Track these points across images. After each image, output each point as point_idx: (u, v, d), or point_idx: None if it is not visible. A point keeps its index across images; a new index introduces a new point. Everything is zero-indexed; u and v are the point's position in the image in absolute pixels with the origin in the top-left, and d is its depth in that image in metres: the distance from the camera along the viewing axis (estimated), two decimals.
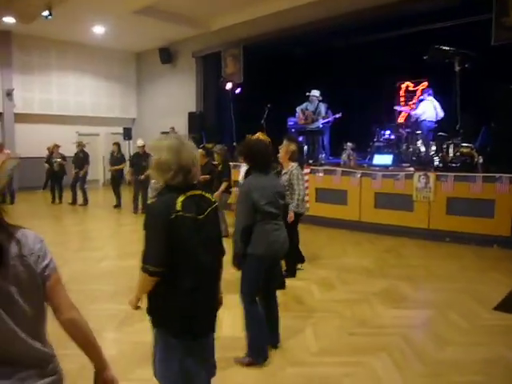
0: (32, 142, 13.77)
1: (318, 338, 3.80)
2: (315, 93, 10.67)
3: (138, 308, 2.27)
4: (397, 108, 11.54)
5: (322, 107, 10.58)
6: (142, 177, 9.94)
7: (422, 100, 9.93)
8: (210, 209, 2.23)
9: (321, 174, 8.69)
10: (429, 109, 9.09)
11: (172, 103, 14.91)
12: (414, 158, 8.54)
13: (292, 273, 5.44)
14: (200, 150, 8.29)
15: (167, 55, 15.06)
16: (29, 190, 13.12)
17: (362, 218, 8.23)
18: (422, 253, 6.71)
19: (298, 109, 10.87)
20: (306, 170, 8.73)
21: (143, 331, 3.60)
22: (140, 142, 10.37)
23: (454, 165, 7.74)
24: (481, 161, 7.54)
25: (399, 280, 5.36)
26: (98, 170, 16.27)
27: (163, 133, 13.89)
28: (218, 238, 2.34)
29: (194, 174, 2.19)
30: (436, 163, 8.02)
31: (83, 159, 11.39)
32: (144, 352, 3.45)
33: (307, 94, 10.74)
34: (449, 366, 3.33)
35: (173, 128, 14.07)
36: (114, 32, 13.79)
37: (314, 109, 10.60)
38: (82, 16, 12.00)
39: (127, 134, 15.35)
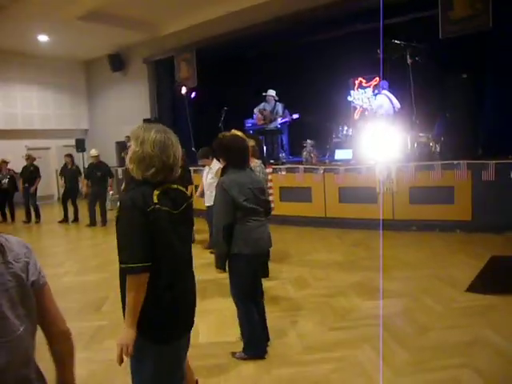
0: None
1: (300, 336, 3.70)
2: (271, 92, 10.65)
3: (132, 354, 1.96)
4: (353, 104, 11.70)
5: (279, 107, 10.57)
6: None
7: (377, 94, 10.10)
8: (186, 204, 2.11)
9: (283, 173, 8.65)
10: (385, 102, 9.24)
11: (126, 111, 14.49)
12: (374, 152, 8.61)
13: (265, 273, 5.32)
14: None
15: (118, 62, 14.63)
16: None
17: (328, 213, 8.24)
18: (390, 243, 6.76)
19: (256, 109, 10.82)
20: (269, 170, 8.66)
21: (114, 348, 3.39)
22: (93, 152, 10.01)
23: (413, 155, 7.88)
24: (438, 149, 7.72)
25: (371, 271, 5.35)
26: (52, 184, 15.60)
27: (125, 139, 13.57)
28: (190, 232, 2.26)
29: (176, 171, 2.07)
30: (396, 155, 8.13)
31: (33, 173, 10.82)
32: (116, 370, 3.24)
33: (264, 94, 10.72)
34: (432, 351, 3.32)
35: (128, 137, 13.68)
36: (59, 40, 13.27)
37: (272, 108, 10.58)
38: (24, 24, 11.45)
39: (80, 146, 14.83)
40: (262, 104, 10.77)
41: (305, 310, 4.30)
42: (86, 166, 10.71)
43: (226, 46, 11.89)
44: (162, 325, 1.98)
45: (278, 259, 6.13)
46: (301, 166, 8.52)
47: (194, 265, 2.19)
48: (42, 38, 13.08)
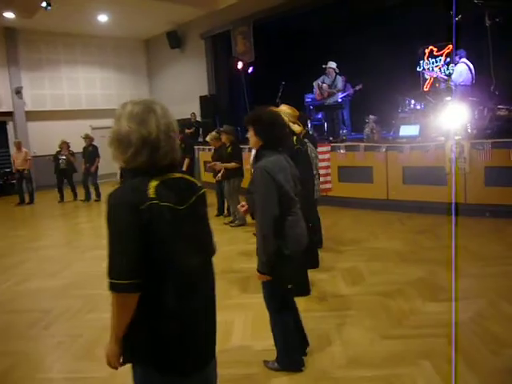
0: (46, 139, 13.45)
1: (345, 344, 3.20)
2: (332, 64, 9.91)
3: (121, 365, 1.64)
4: (427, 75, 10.63)
5: (339, 80, 9.81)
6: None
7: (448, 62, 9.05)
8: (194, 197, 1.67)
9: (342, 151, 7.99)
10: (464, 71, 8.17)
11: (186, 89, 14.33)
12: (444, 127, 7.69)
13: (315, 263, 4.83)
14: (213, 133, 7.74)
15: (175, 39, 14.47)
16: (45, 188, 12.87)
17: (390, 196, 7.51)
18: (461, 231, 5.98)
19: (315, 83, 10.13)
20: (325, 148, 8.07)
21: None
22: None
23: (490, 131, 6.93)
24: None
25: (437, 265, 4.68)
26: (115, 163, 15.94)
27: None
28: (207, 235, 1.77)
29: (167, 151, 1.59)
30: (469, 130, 7.20)
31: (93, 152, 10.97)
32: None
33: (323, 66, 9.99)
34: (510, 377, 2.69)
35: (194, 113, 13.40)
36: (118, 19, 13.29)
37: (331, 82, 9.84)
38: (84, 4, 11.52)
39: None
40: (322, 77, 10.06)
41: (355, 310, 3.77)
42: None
43: (284, 17, 11.28)
44: (168, 355, 1.57)
45: (332, 246, 5.62)
46: (361, 144, 7.81)
47: (222, 268, 1.76)
48: (102, 17, 13.14)
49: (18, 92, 13.67)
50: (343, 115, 10.99)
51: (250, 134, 2.89)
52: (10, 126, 13.90)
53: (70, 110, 14.83)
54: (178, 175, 1.66)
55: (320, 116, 10.96)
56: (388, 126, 9.85)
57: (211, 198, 7.91)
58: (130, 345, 1.60)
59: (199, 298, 1.65)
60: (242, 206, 3.24)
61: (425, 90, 10.84)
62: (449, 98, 8.99)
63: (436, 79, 10.26)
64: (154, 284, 1.51)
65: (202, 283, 1.68)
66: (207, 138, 7.80)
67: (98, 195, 11.06)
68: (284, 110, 4.00)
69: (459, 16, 7.23)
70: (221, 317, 1.77)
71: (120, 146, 1.57)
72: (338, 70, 9.88)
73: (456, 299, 3.80)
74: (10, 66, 13.60)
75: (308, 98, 11.71)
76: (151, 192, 1.50)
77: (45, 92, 14.48)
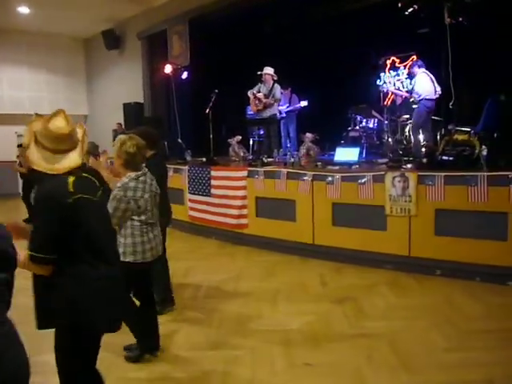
0: None
1: None
2: (269, 70, 8.20)
3: None
4: (386, 90, 9.11)
5: (277, 89, 8.10)
6: None
7: (411, 75, 7.45)
8: None
9: (261, 178, 6.18)
10: (426, 83, 6.48)
11: (123, 95, 12.56)
12: (389, 151, 6.03)
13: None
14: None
15: (113, 39, 12.77)
16: None
17: (317, 240, 5.71)
18: (399, 301, 4.23)
19: (250, 93, 8.41)
20: (240, 173, 6.34)
21: None
22: None
23: (445, 158, 5.26)
24: (485, 152, 5.03)
25: (338, 380, 2.90)
26: None
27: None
28: None
29: None
30: (416, 158, 5.53)
31: None
32: None
33: (259, 72, 8.29)
34: None
35: (120, 124, 11.91)
36: (43, 13, 11.56)
37: (268, 91, 8.13)
38: None
39: None
40: (257, 86, 8.34)
41: None
42: None
43: (224, 17, 9.75)
44: None
45: (202, 328, 3.81)
46: (283, 170, 6.00)
47: None
48: (23, 9, 11.39)
49: None
50: (289, 130, 9.41)
51: None
52: None
53: None
54: None
55: (262, 133, 9.32)
56: (336, 147, 8.21)
57: None
58: None
59: None
60: None
61: (386, 104, 9.35)
62: (407, 116, 7.47)
63: (396, 93, 8.74)
64: None
65: None
66: None
67: None
68: (35, 127, 1.97)
69: (409, 10, 5.64)
70: None
71: None
72: (276, 77, 8.19)
73: None
74: None
75: (250, 111, 10.11)
76: None
77: None
